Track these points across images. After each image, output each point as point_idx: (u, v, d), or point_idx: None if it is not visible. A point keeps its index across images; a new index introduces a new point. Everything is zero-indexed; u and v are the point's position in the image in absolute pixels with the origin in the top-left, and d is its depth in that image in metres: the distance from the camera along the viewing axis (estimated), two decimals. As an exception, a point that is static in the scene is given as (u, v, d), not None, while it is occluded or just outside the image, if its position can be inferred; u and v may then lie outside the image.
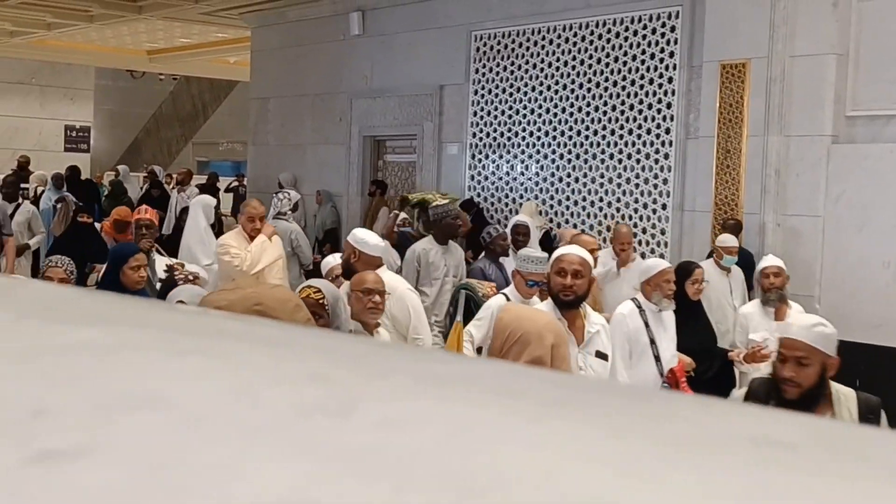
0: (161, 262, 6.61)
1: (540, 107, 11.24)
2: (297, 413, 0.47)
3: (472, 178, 11.96)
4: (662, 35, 10.10)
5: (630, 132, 10.40)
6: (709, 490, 0.36)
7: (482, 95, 11.80)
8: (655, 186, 10.20)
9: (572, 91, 10.91)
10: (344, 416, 0.46)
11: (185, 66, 22.58)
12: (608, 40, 10.56)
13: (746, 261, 8.04)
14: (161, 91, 26.00)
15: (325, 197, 13.27)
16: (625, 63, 10.42)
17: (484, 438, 0.43)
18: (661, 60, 10.12)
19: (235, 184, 19.36)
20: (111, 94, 25.29)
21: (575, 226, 10.79)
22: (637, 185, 10.36)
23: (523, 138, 11.43)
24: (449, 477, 0.39)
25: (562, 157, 11.06)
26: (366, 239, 5.69)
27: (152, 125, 26.36)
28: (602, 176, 10.68)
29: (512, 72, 11.49)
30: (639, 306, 5.61)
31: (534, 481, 0.38)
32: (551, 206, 11.18)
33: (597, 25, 10.65)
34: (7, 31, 18.43)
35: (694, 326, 6.24)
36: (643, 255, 10.22)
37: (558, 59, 11.03)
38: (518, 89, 11.44)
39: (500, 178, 11.71)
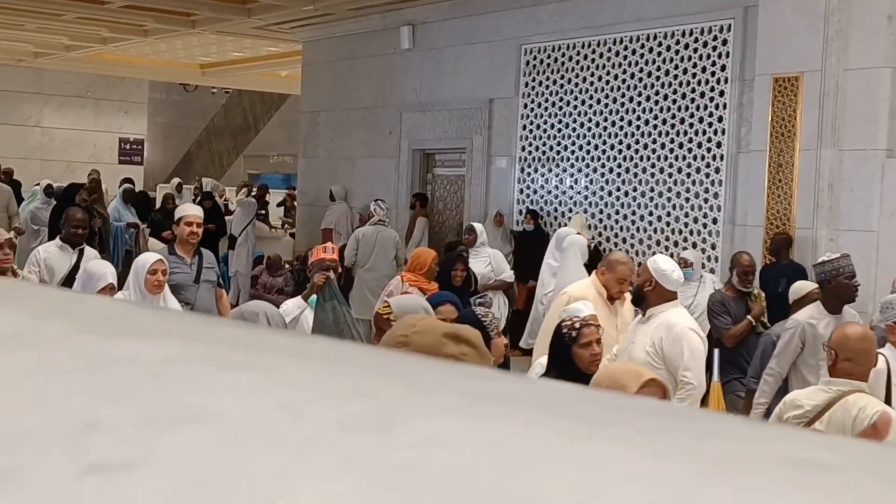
0: None
1: (590, 120, 11.22)
2: (340, 429, 0.48)
3: (521, 191, 11.95)
4: (714, 48, 10.04)
5: (681, 146, 10.34)
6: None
7: (532, 109, 11.80)
8: (706, 201, 10.13)
9: (622, 105, 10.88)
10: (386, 433, 0.47)
11: (237, 80, 22.83)
12: (659, 54, 10.52)
13: (799, 276, 7.96)
14: (213, 104, 26.30)
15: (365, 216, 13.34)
16: (676, 76, 10.37)
17: (524, 457, 0.44)
18: (713, 74, 10.05)
19: (287, 199, 19.54)
20: (164, 107, 25.63)
21: (624, 240, 10.74)
22: (687, 199, 10.30)
23: (573, 152, 11.41)
24: (488, 495, 0.40)
25: (611, 170, 11.02)
26: (666, 271, 5.30)
27: (204, 138, 26.67)
28: (652, 190, 10.63)
29: (562, 85, 11.48)
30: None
31: (573, 501, 0.39)
32: (600, 220, 11.14)
33: (647, 39, 10.61)
34: (64, 45, 18.77)
35: None
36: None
37: (608, 73, 11.01)
38: (568, 103, 11.43)
39: (549, 192, 11.69)
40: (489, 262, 9.20)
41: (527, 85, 11.85)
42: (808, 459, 0.42)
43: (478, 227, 9.61)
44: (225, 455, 0.46)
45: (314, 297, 5.86)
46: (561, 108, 11.50)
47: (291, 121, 20.77)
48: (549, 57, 11.62)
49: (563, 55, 11.46)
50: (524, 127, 11.89)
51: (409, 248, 12.83)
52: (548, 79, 11.63)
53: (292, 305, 5.96)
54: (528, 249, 11.20)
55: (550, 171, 11.67)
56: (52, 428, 0.52)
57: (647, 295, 5.25)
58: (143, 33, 16.75)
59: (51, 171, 18.00)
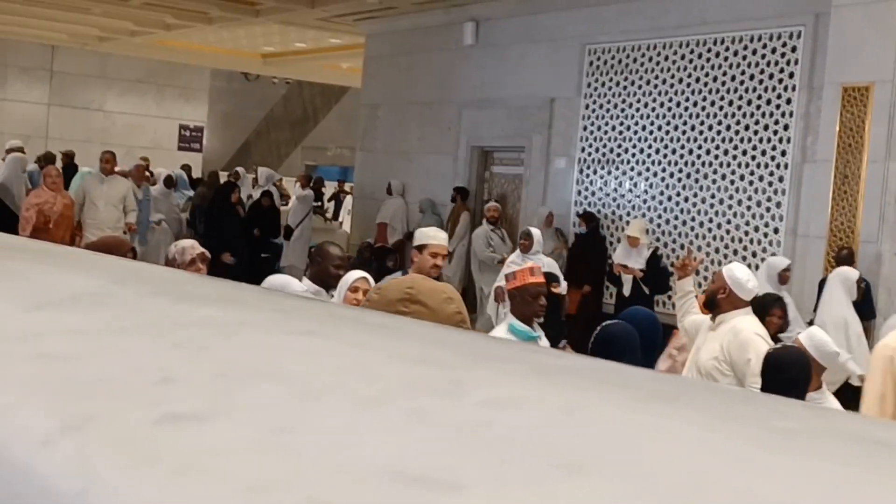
0: None
1: (652, 123, 11.14)
2: (409, 389, 0.49)
3: (580, 192, 11.90)
4: (783, 55, 9.92)
5: (744, 153, 10.23)
6: (804, 477, 0.37)
7: (593, 110, 11.74)
8: (768, 209, 10.02)
9: (686, 109, 10.79)
10: (452, 395, 0.48)
11: (298, 71, 22.97)
12: (725, 58, 10.42)
13: (863, 290, 7.87)
14: (273, 94, 26.50)
15: (425, 205, 13.33)
16: (742, 82, 10.26)
17: (584, 420, 0.45)
18: (780, 81, 9.93)
19: (337, 190, 19.61)
20: (225, 95, 25.87)
21: (682, 246, 10.66)
22: (749, 208, 10.19)
23: (633, 155, 11.34)
24: (550, 452, 0.41)
25: (672, 175, 10.94)
26: (741, 279, 5.26)
27: (263, 127, 26.88)
28: (713, 196, 10.53)
29: (625, 87, 11.41)
30: None
31: (632, 458, 0.39)
32: (659, 225, 11.05)
33: (714, 43, 10.51)
34: (128, 31, 19.01)
35: None
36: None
37: (673, 76, 10.92)
38: (630, 105, 11.36)
39: (608, 195, 11.63)
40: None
41: (589, 85, 11.79)
42: (870, 437, 0.43)
43: (535, 232, 9.40)
44: (296, 408, 0.48)
45: (513, 323, 5.06)
46: (623, 110, 11.43)
47: (351, 113, 20.87)
48: (612, 58, 11.56)
49: (628, 56, 11.39)
50: (585, 128, 11.83)
51: (452, 242, 12.87)
52: (611, 80, 11.57)
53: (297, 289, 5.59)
54: (582, 253, 11.16)
55: (610, 173, 11.60)
56: (130, 379, 0.54)
57: (720, 302, 5.25)
58: (206, 21, 16.92)
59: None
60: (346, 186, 19.87)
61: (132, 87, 22.83)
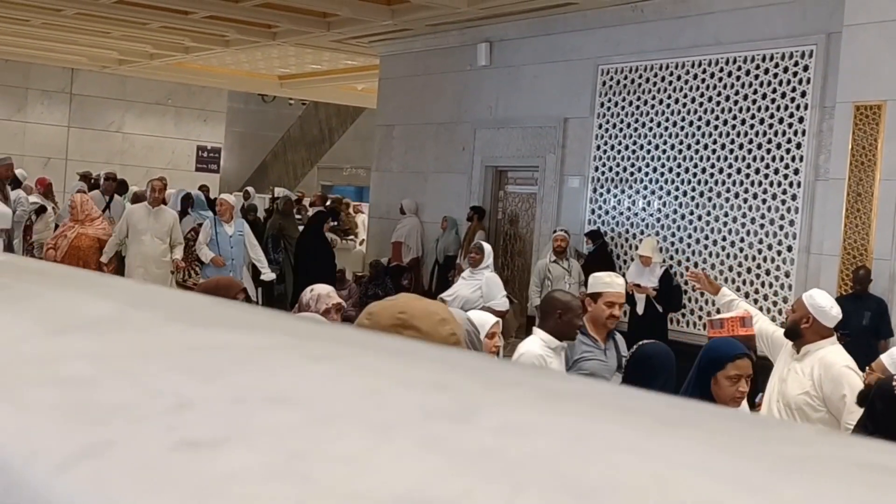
0: None
1: (665, 143, 11.15)
2: (422, 415, 0.49)
3: (593, 211, 11.91)
4: (795, 74, 9.93)
5: (757, 171, 10.22)
6: (813, 502, 0.38)
7: (606, 129, 11.76)
8: (781, 228, 10.00)
9: (699, 128, 10.80)
10: (466, 421, 0.48)
11: (314, 92, 23.09)
12: (738, 78, 10.43)
13: (883, 309, 7.85)
14: (290, 115, 26.63)
15: (450, 224, 13.38)
16: (754, 101, 10.27)
17: (598, 447, 0.45)
18: (793, 100, 9.93)
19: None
20: (242, 116, 26.02)
21: (696, 264, 10.64)
22: (762, 226, 10.17)
23: (646, 174, 11.34)
24: (564, 480, 0.41)
25: (685, 193, 10.93)
26: (825, 307, 5.01)
27: (280, 148, 27.00)
28: (726, 215, 10.52)
29: (638, 107, 11.43)
30: None
31: (644, 487, 0.40)
32: (672, 244, 11.05)
33: (727, 62, 10.52)
34: (147, 54, 19.17)
35: None
36: (764, 297, 10.02)
37: (685, 96, 10.94)
38: (643, 124, 11.37)
39: (621, 213, 11.63)
40: (479, 287, 8.55)
41: (602, 105, 11.82)
42: (880, 464, 0.43)
43: (486, 248, 9.14)
44: (311, 434, 0.48)
45: None
46: (636, 129, 11.45)
47: (366, 134, 20.95)
48: (626, 78, 11.58)
49: (641, 76, 11.42)
50: (598, 147, 11.85)
51: (465, 259, 12.87)
52: (624, 100, 11.59)
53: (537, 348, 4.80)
54: (591, 271, 11.14)
55: (623, 192, 11.61)
56: (146, 404, 0.55)
57: (804, 332, 4.97)
58: (224, 44, 17.05)
59: (130, 176, 18.35)
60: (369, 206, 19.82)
61: (151, 108, 22.99)
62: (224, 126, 24.53)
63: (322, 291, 4.90)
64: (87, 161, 19.67)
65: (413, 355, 0.66)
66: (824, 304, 5.04)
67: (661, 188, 11.20)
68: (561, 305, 4.91)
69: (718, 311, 5.84)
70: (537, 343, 4.81)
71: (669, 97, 11.11)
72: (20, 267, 1.07)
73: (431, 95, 14.27)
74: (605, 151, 11.78)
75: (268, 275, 11.00)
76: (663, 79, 11.19)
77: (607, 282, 5.23)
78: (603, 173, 11.80)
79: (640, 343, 4.77)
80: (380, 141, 15.43)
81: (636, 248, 10.94)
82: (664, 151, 11.15)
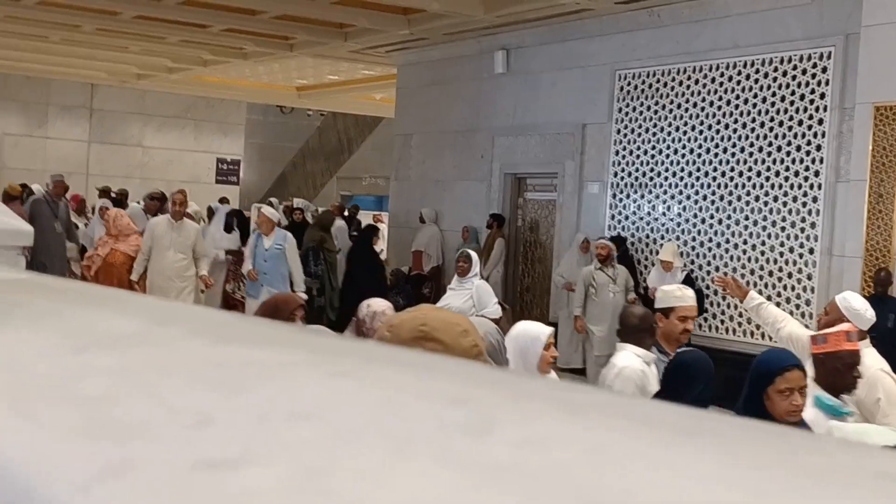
0: None
1: (684, 147, 11.12)
2: (440, 429, 0.50)
3: (613, 217, 11.89)
4: (813, 76, 9.89)
5: (777, 174, 10.18)
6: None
7: (625, 135, 11.75)
8: (802, 230, 9.95)
9: (717, 131, 10.76)
10: (483, 434, 0.49)
11: (332, 102, 23.17)
12: (756, 80, 10.39)
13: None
14: (308, 126, 26.72)
15: (472, 234, 13.37)
16: (773, 104, 10.23)
17: (616, 459, 0.45)
18: (812, 102, 9.89)
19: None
20: (261, 128, 26.13)
21: (717, 268, 10.60)
22: (783, 229, 10.13)
23: (666, 178, 11.32)
24: (581, 492, 0.42)
25: (705, 198, 10.90)
26: (859, 310, 4.94)
27: (299, 159, 27.09)
28: (747, 218, 10.48)
29: (656, 111, 11.41)
30: None
31: (663, 499, 0.40)
32: (693, 248, 11.01)
33: (745, 66, 10.49)
34: (166, 67, 19.29)
35: None
36: (787, 301, 9.97)
37: (703, 100, 10.91)
38: (662, 129, 11.35)
39: (641, 219, 11.61)
40: (470, 296, 8.40)
41: (620, 111, 11.81)
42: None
43: (473, 256, 8.82)
44: (331, 450, 0.49)
45: (819, 395, 4.29)
46: (655, 134, 11.43)
47: (385, 143, 21.00)
48: (643, 83, 11.57)
49: (658, 81, 11.40)
50: (617, 153, 11.84)
51: (486, 268, 12.86)
52: (642, 104, 11.57)
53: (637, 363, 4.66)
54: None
55: (643, 197, 11.59)
56: (167, 421, 0.56)
57: None
58: (242, 56, 17.13)
59: (151, 189, 18.46)
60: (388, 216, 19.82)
61: (170, 122, 23.11)
62: (243, 138, 24.63)
63: (378, 308, 4.77)
64: (108, 175, 19.81)
65: (432, 369, 0.66)
66: (859, 307, 4.97)
67: (680, 192, 11.17)
68: (650, 319, 4.84)
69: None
70: (634, 358, 4.67)
71: (688, 101, 11.09)
72: (41, 284, 1.08)
73: (449, 104, 14.29)
74: (623, 157, 11.77)
75: (299, 290, 10.35)
76: (681, 83, 11.17)
77: (678, 296, 5.07)
78: (622, 178, 11.79)
79: (678, 351, 4.67)
80: (398, 150, 15.46)
81: (657, 252, 10.91)
82: (683, 156, 11.12)
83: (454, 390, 0.58)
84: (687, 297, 5.06)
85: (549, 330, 4.36)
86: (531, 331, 4.29)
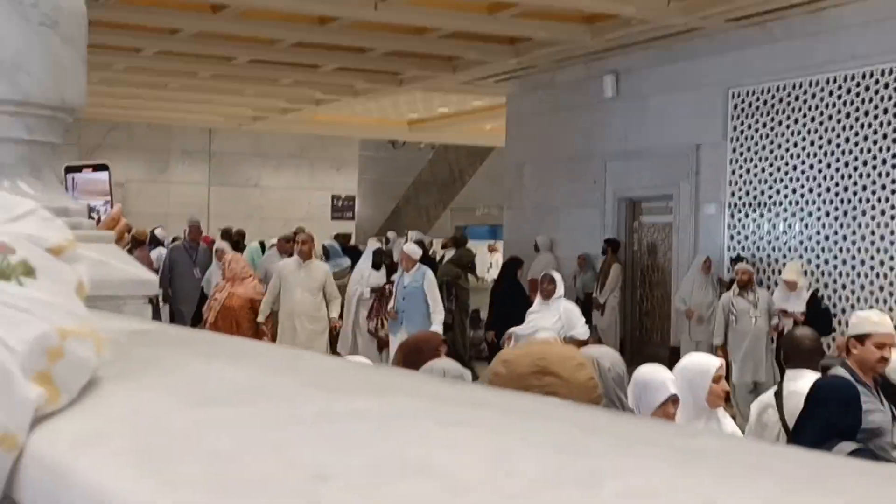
0: None
1: (803, 163, 10.86)
2: (551, 483, 0.50)
3: (732, 237, 11.67)
4: (936, 84, 9.56)
5: (902, 186, 9.86)
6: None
7: (741, 153, 11.54)
8: (931, 243, 9.60)
9: (838, 145, 10.48)
10: (593, 487, 0.49)
11: (442, 134, 23.34)
12: (876, 91, 10.10)
13: None
14: (420, 159, 26.95)
15: (588, 263, 13.27)
16: (895, 115, 9.92)
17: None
18: (935, 110, 9.56)
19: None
20: (374, 163, 26.46)
21: (844, 286, 10.30)
22: (911, 242, 9.79)
23: (785, 196, 11.06)
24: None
25: (828, 214, 10.61)
26: None
27: (412, 192, 27.33)
28: (873, 233, 10.16)
29: (772, 128, 11.18)
30: None
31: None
32: (818, 266, 10.71)
33: (863, 77, 10.21)
34: (280, 109, 19.75)
35: None
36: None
37: (822, 114, 10.65)
38: (779, 145, 11.11)
39: (762, 238, 11.36)
40: (559, 317, 8.29)
41: (735, 129, 11.60)
42: None
43: (557, 277, 8.73)
44: (444, 505, 0.49)
45: None
46: (772, 151, 11.19)
47: (497, 173, 21.03)
48: (758, 100, 11.35)
49: (773, 97, 11.17)
50: (733, 172, 11.62)
51: (603, 294, 12.72)
52: (757, 122, 11.35)
53: None
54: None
55: (762, 216, 11.34)
56: (285, 477, 0.57)
57: None
58: (353, 94, 17.42)
59: (269, 229, 18.87)
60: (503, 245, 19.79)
61: (285, 162, 23.60)
62: (357, 174, 24.99)
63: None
64: (228, 217, 20.30)
65: (545, 416, 0.66)
66: None
67: (801, 209, 10.90)
68: (819, 340, 4.68)
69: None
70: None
71: (805, 116, 10.84)
72: (164, 336, 1.12)
73: (560, 131, 14.26)
74: (740, 176, 11.55)
75: (436, 328, 9.93)
76: (797, 98, 10.93)
77: (876, 321, 4.75)
78: (740, 198, 11.56)
79: (822, 375, 4.48)
80: (510, 179, 15.48)
81: (780, 272, 10.65)
82: (803, 171, 10.86)
83: (566, 439, 0.58)
84: (885, 323, 4.76)
85: (717, 362, 4.18)
86: (699, 363, 4.13)
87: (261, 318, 9.90)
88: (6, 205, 0.80)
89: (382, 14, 11.29)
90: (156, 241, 14.60)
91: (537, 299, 8.70)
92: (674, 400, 3.85)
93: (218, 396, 0.75)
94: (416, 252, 10.61)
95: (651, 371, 4.01)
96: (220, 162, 22.93)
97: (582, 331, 8.28)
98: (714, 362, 4.16)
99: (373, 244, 12.91)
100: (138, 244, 13.65)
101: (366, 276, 11.78)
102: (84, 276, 0.81)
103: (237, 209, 21.76)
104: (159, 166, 22.35)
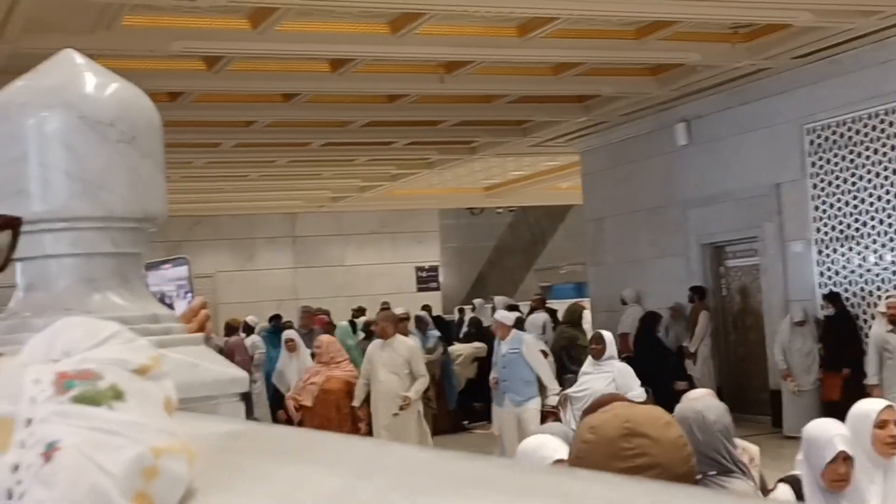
0: None
1: (887, 192, 10.64)
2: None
3: (822, 273, 11.43)
4: None
5: None
6: None
7: (822, 188, 11.35)
8: None
9: (922, 171, 10.26)
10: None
11: (520, 197, 23.42)
12: (955, 113, 9.89)
13: None
14: (500, 223, 27.04)
15: (680, 312, 13.09)
16: (978, 134, 9.69)
17: None
18: None
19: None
20: (454, 231, 26.61)
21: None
22: None
23: (873, 227, 10.83)
24: None
25: (919, 241, 10.35)
26: None
27: (494, 257, 27.38)
28: (968, 257, 9.87)
29: (852, 160, 10.99)
30: None
31: None
32: (914, 296, 10.42)
33: (941, 100, 10.01)
34: (357, 187, 20.06)
35: None
36: None
37: (901, 141, 10.45)
38: (861, 177, 10.91)
39: (853, 272, 11.11)
40: (612, 379, 7.93)
41: (814, 165, 11.43)
42: None
43: (607, 336, 8.30)
44: None
45: None
46: (854, 183, 10.99)
47: (577, 230, 20.98)
48: (834, 133, 11.19)
49: (850, 129, 11.00)
50: (816, 207, 11.43)
51: (693, 343, 12.51)
52: (836, 155, 11.17)
53: None
54: (834, 335, 10.66)
55: (851, 249, 11.10)
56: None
57: None
58: (428, 166, 17.63)
59: (357, 306, 19.02)
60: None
61: (367, 238, 23.85)
62: (439, 244, 25.14)
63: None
64: (316, 297, 20.52)
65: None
66: None
67: (891, 239, 10.66)
68: None
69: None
70: None
71: (885, 145, 10.64)
72: (254, 437, 1.14)
73: (636, 182, 14.21)
74: (824, 211, 11.35)
75: (551, 394, 9.49)
76: (874, 128, 10.74)
77: None
78: (826, 233, 11.35)
79: None
80: (591, 235, 15.43)
81: (875, 305, 10.39)
82: (889, 201, 10.64)
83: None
84: None
85: (879, 406, 3.95)
86: (860, 408, 3.93)
87: (355, 403, 9.61)
88: (91, 331, 0.83)
89: (449, 86, 11.46)
90: (249, 329, 14.82)
91: (588, 360, 8.36)
92: (844, 458, 3.63)
93: None
94: (510, 318, 10.32)
95: (819, 427, 3.81)
96: (304, 245, 23.28)
97: (637, 392, 7.87)
98: (876, 406, 3.91)
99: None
100: (232, 331, 13.88)
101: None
102: (171, 392, 0.84)
103: (324, 289, 22.02)
104: (246, 255, 22.76)
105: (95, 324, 0.84)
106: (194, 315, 2.19)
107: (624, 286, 14.11)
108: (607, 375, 7.98)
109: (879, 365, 9.52)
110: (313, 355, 10.47)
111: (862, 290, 11.01)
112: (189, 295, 2.38)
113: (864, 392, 10.09)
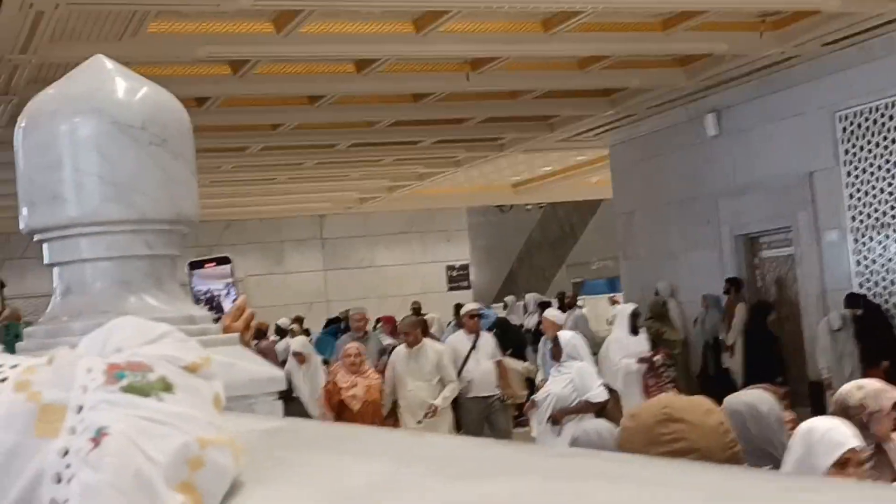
0: None
1: (922, 178, 10.52)
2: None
3: (859, 262, 11.31)
4: None
5: None
6: None
7: (857, 176, 11.23)
8: None
9: (956, 155, 10.14)
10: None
11: (549, 193, 23.35)
12: None
13: None
14: (529, 220, 26.98)
15: (711, 302, 12.97)
16: None
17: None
18: None
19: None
20: (484, 229, 26.58)
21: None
22: None
23: (909, 213, 10.71)
24: None
25: (956, 227, 10.23)
26: None
27: (525, 254, 27.32)
28: None
29: (886, 146, 10.87)
30: None
31: None
32: (952, 282, 10.31)
33: (973, 82, 9.89)
34: (385, 188, 20.08)
35: None
36: None
37: (935, 125, 10.33)
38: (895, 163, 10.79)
39: (890, 259, 10.98)
40: (570, 380, 7.64)
41: (847, 152, 11.31)
42: None
43: (562, 337, 8.00)
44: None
45: None
46: (889, 170, 10.86)
47: (607, 224, 20.90)
48: (866, 119, 11.07)
49: (883, 115, 10.88)
50: (851, 195, 11.30)
51: (731, 335, 12.38)
52: (869, 142, 11.05)
53: None
54: (867, 329, 10.51)
55: (888, 237, 10.98)
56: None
57: None
58: (455, 164, 17.62)
59: (388, 307, 19.04)
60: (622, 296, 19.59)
61: (396, 238, 23.88)
62: (468, 242, 25.13)
63: (872, 388, 4.07)
64: (346, 300, 20.57)
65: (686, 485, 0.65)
66: None
67: (928, 225, 10.54)
68: None
69: None
70: None
71: (918, 130, 10.52)
72: (295, 432, 1.14)
73: (666, 175, 14.12)
74: (859, 199, 11.23)
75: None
76: (907, 113, 10.62)
77: None
78: (862, 221, 11.23)
79: None
80: (622, 229, 15.36)
81: (913, 293, 10.28)
82: (924, 186, 10.52)
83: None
84: None
85: (849, 443, 3.51)
86: (833, 435, 3.48)
87: (384, 412, 9.19)
88: (142, 330, 0.84)
89: (475, 83, 11.44)
90: (281, 332, 14.87)
91: (553, 365, 8.11)
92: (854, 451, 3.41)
93: (350, 496, 0.76)
94: (560, 317, 9.92)
95: (827, 424, 3.56)
96: (333, 246, 23.35)
97: (597, 392, 7.59)
98: (845, 441, 3.44)
99: (627, 306, 11.34)
100: (261, 336, 13.92)
101: (624, 344, 10.55)
102: (220, 390, 0.85)
103: (354, 290, 22.06)
104: (275, 258, 22.86)
105: (147, 324, 0.85)
106: (240, 313, 2.20)
107: (657, 280, 14.03)
108: (566, 377, 7.70)
109: None
110: (326, 362, 10.23)
111: (899, 277, 10.89)
112: (234, 294, 2.39)
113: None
